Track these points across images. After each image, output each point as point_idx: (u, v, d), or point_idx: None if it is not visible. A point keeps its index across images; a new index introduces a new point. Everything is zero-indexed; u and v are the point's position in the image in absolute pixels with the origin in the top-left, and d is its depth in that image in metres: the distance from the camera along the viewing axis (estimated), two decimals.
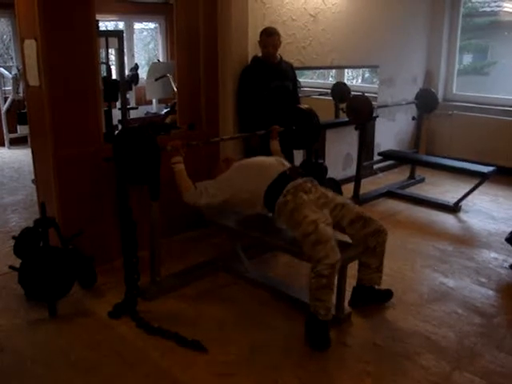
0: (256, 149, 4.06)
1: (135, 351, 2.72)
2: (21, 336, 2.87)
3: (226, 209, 3.38)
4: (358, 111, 5.03)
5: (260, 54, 4.17)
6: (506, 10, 6.80)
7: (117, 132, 3.11)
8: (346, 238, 3.10)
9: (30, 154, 3.79)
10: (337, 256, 2.68)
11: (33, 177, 4.15)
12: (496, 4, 6.89)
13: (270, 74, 4.17)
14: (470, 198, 5.07)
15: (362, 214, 3.05)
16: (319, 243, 2.71)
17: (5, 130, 7.82)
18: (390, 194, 5.50)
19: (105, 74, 4.87)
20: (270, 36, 4.06)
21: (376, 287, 3.21)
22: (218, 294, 3.36)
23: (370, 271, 3.13)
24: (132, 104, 7.58)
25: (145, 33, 10.14)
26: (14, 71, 7.65)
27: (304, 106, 4.00)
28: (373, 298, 3.21)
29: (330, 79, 6.35)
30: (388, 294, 3.24)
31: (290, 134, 3.91)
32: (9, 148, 7.81)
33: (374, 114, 5.25)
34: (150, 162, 2.99)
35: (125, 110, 4.83)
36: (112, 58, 6.31)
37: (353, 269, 3.14)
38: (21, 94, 7.56)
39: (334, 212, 3.03)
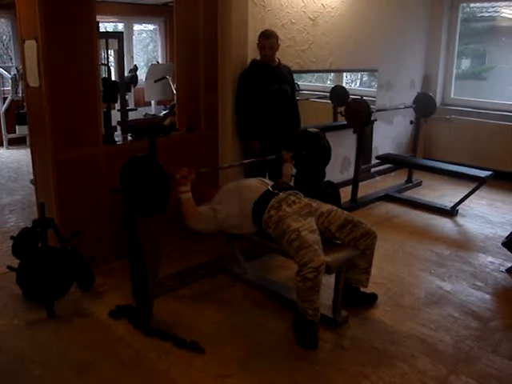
0: (255, 154, 4.05)
1: (133, 352, 2.72)
2: (19, 336, 2.87)
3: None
4: (356, 115, 5.05)
5: (259, 58, 4.18)
6: (503, 15, 6.82)
7: (123, 164, 3.02)
8: None
9: (29, 155, 3.80)
10: (321, 259, 2.71)
11: (31, 177, 4.15)
12: (494, 9, 6.90)
13: (269, 78, 4.17)
14: (467, 202, 5.09)
15: (350, 219, 3.08)
16: (302, 248, 2.76)
17: (3, 131, 7.84)
18: (387, 198, 5.52)
19: (104, 75, 4.86)
20: (267, 38, 4.07)
21: (362, 289, 3.27)
22: (215, 296, 3.37)
23: (358, 272, 3.19)
24: (131, 105, 7.58)
25: (144, 34, 10.15)
26: (13, 72, 7.66)
27: (312, 129, 3.90)
28: (357, 299, 3.26)
29: (329, 82, 6.37)
30: (373, 298, 3.31)
31: (299, 158, 3.86)
32: (7, 148, 7.82)
33: (372, 118, 5.27)
34: (159, 194, 2.88)
35: (124, 111, 4.83)
36: (111, 59, 6.30)
37: None
38: (20, 95, 7.58)
39: (320, 220, 3.09)
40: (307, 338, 2.82)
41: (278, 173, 3.82)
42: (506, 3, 6.68)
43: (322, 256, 2.74)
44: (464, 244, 4.37)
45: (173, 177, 2.94)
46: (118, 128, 5.05)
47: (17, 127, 7.76)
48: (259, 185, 3.32)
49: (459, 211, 5.08)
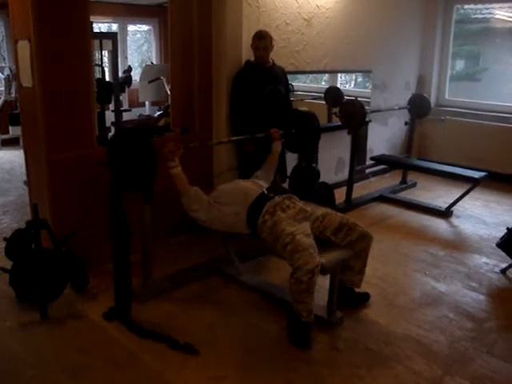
0: (250, 154, 4.05)
1: (127, 354, 2.71)
2: (12, 338, 2.85)
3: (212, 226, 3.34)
4: (351, 116, 5.05)
5: (253, 58, 4.17)
6: (497, 17, 6.84)
7: (111, 135, 3.06)
8: None
9: (22, 156, 3.78)
10: (315, 262, 2.71)
11: (25, 178, 4.13)
12: (488, 11, 6.93)
13: (263, 78, 4.16)
14: (461, 203, 5.10)
15: (345, 222, 3.07)
16: (296, 252, 2.75)
17: None
18: (382, 199, 5.52)
19: (98, 76, 4.86)
20: (261, 39, 4.06)
21: (356, 290, 3.28)
22: (210, 297, 3.36)
23: (353, 273, 3.19)
24: (125, 106, 7.57)
25: (138, 35, 10.14)
26: (7, 72, 7.63)
27: (303, 108, 3.97)
28: (351, 299, 3.27)
29: (323, 83, 6.37)
30: (366, 297, 3.32)
31: (289, 137, 3.90)
32: (0, 149, 7.77)
33: (367, 119, 5.27)
34: (146, 167, 2.93)
35: (118, 112, 4.82)
36: (105, 59, 6.29)
37: None
38: (13, 95, 7.55)
39: (315, 224, 3.08)
40: (300, 338, 2.82)
41: (268, 150, 3.82)
42: (499, 5, 6.71)
43: (318, 258, 2.73)
44: (459, 245, 4.37)
45: (161, 152, 2.99)
46: (112, 129, 5.05)
47: (10, 128, 7.72)
48: (253, 187, 3.30)
49: (454, 212, 5.09)
